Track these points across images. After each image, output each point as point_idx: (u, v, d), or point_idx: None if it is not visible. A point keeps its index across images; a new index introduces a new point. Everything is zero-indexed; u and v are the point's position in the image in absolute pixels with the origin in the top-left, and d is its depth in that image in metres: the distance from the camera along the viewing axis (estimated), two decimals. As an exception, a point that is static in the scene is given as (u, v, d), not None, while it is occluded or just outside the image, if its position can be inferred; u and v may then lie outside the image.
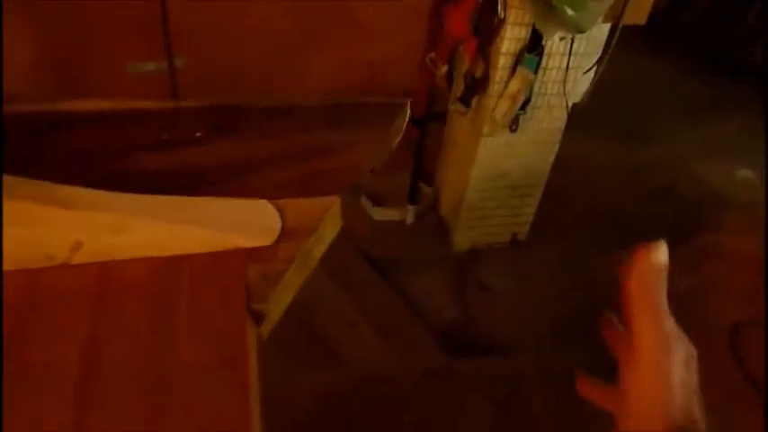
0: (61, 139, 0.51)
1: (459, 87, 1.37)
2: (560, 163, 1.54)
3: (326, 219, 0.48)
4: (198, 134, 0.54)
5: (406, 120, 0.62)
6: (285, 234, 0.45)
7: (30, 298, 0.39)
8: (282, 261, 0.43)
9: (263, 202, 0.47)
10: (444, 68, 1.32)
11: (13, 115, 0.52)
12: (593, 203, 1.84)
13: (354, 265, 1.51)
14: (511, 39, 1.23)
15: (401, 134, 0.62)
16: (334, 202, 0.49)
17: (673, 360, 0.34)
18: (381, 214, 1.70)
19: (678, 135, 2.18)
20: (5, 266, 0.39)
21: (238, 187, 0.48)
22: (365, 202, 1.69)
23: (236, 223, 0.44)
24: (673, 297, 0.35)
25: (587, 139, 1.91)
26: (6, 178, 0.38)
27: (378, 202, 1.68)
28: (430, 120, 1.49)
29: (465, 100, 1.32)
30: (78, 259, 0.41)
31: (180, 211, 0.44)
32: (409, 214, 1.68)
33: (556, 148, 1.49)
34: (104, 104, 0.54)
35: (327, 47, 1.46)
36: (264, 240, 0.44)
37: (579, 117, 1.47)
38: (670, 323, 0.35)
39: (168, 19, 1.45)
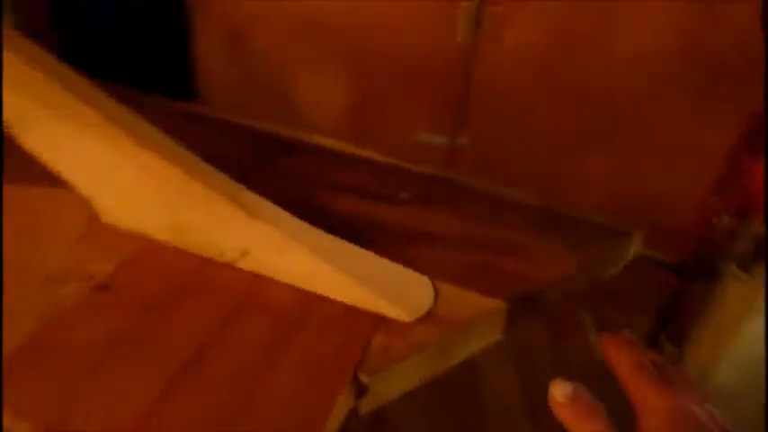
0: (285, 161, 0.56)
1: (742, 247, 1.16)
2: None
3: (482, 322, 0.43)
4: (403, 195, 0.54)
5: (629, 256, 0.54)
6: (429, 318, 0.42)
7: (190, 281, 0.42)
8: (412, 344, 0.40)
9: (424, 277, 0.44)
10: (726, 220, 1.14)
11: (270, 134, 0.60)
12: None
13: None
14: (830, 213, 1.00)
15: (618, 270, 0.55)
16: (499, 308, 0.44)
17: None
18: (606, 354, 1.51)
19: None
20: (190, 248, 0.44)
21: (410, 255, 0.46)
22: (592, 334, 1.53)
23: (388, 288, 0.43)
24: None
25: None
26: (214, 171, 0.43)
27: (605, 339, 1.50)
28: (693, 272, 1.29)
29: (745, 266, 1.11)
30: (242, 265, 0.44)
31: (344, 257, 0.44)
32: (637, 367, 1.46)
33: None
34: (335, 144, 0.59)
35: (601, 156, 1.39)
36: (405, 315, 0.41)
37: None
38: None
39: (468, 100, 1.55)
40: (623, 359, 0.34)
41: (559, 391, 0.33)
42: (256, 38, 1.63)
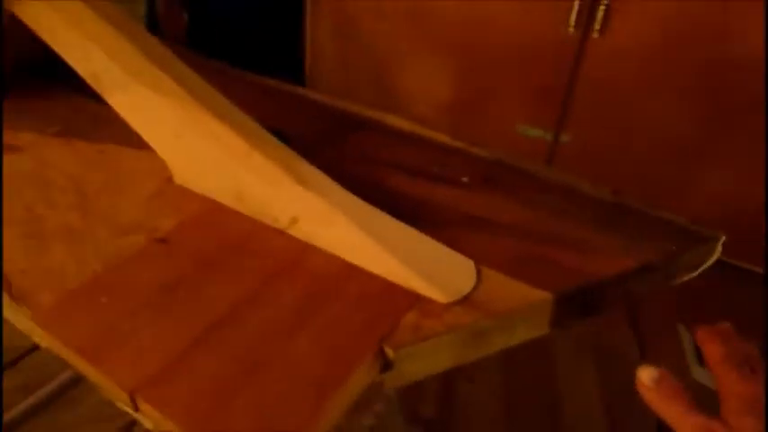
0: (353, 138, 0.57)
1: None
2: None
3: (524, 313, 0.41)
4: (465, 179, 0.53)
5: (708, 262, 0.50)
6: (467, 302, 0.41)
7: (242, 243, 0.44)
8: (445, 325, 0.39)
9: (469, 261, 0.43)
10: None
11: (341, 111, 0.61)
12: None
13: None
14: None
15: (694, 275, 0.50)
16: (545, 300, 0.42)
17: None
18: (706, 377, 1.39)
19: None
20: (248, 212, 0.46)
21: (461, 238, 0.45)
22: (690, 354, 1.41)
23: (429, 268, 0.42)
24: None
25: None
26: (273, 141, 0.45)
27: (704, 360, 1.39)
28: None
29: None
30: (293, 232, 0.45)
31: (389, 233, 0.44)
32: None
33: None
34: (410, 125, 0.59)
35: (721, 169, 1.28)
36: (442, 296, 0.40)
37: None
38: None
39: (573, 95, 1.48)
40: (714, 349, 0.35)
41: (646, 375, 0.35)
42: (367, 27, 1.66)
